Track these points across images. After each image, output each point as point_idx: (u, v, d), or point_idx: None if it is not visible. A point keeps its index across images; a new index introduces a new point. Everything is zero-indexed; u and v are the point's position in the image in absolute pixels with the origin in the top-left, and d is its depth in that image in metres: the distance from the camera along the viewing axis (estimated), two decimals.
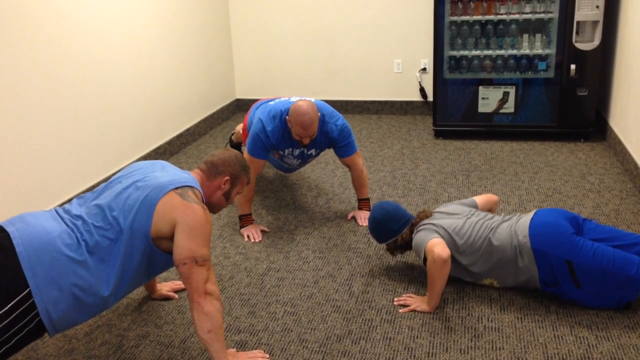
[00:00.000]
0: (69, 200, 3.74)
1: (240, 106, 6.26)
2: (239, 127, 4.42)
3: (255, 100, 6.14)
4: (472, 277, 2.79)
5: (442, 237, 2.70)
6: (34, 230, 2.09)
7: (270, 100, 3.64)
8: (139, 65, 4.49)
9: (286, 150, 3.50)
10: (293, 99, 3.46)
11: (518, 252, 2.62)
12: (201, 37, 5.44)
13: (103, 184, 2.35)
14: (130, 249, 2.17)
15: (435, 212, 2.91)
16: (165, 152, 4.86)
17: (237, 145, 4.68)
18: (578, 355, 2.36)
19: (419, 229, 2.80)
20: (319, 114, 3.31)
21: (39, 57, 3.47)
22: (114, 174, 4.16)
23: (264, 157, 3.43)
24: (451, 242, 2.70)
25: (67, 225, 2.15)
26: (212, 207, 2.45)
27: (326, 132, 3.42)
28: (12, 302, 1.98)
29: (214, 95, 5.77)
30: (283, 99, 3.57)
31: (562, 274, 2.55)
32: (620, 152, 4.33)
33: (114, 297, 2.19)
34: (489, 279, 2.75)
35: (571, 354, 2.37)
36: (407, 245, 2.90)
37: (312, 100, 3.43)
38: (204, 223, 2.19)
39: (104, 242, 2.14)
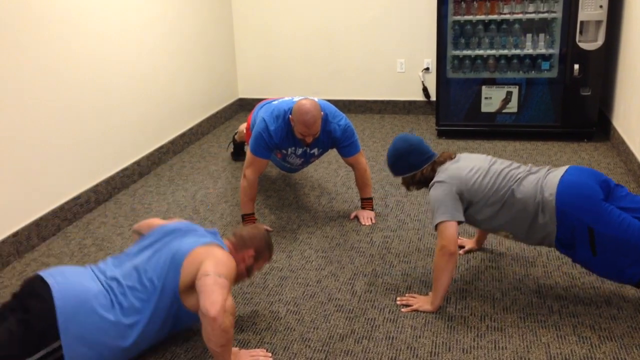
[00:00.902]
0: (73, 199, 3.75)
1: (243, 105, 6.26)
2: (242, 127, 4.42)
3: (257, 100, 6.15)
4: (489, 230, 2.71)
5: (461, 192, 2.57)
6: (73, 287, 2.20)
7: (274, 100, 3.64)
8: (142, 65, 4.50)
9: (289, 150, 3.51)
10: (296, 99, 3.46)
11: (540, 208, 2.50)
12: (204, 37, 5.44)
13: (135, 246, 2.46)
14: (159, 307, 2.27)
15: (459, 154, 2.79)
16: (169, 151, 4.87)
17: (240, 145, 4.69)
18: (581, 355, 2.35)
19: (440, 177, 2.65)
20: (322, 112, 3.32)
21: (42, 58, 3.48)
22: (117, 174, 4.18)
23: (267, 156, 3.43)
24: (470, 196, 2.59)
25: (103, 286, 2.27)
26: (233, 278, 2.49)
27: (329, 132, 3.43)
28: (42, 352, 2.10)
29: (217, 95, 5.78)
30: (286, 98, 3.57)
31: (581, 239, 2.44)
32: (623, 152, 4.33)
33: (135, 351, 2.31)
34: (505, 231, 2.65)
35: (574, 354, 2.36)
36: (425, 182, 2.77)
37: (316, 99, 3.44)
38: (230, 260, 2.31)
39: (137, 304, 2.26)
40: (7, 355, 2.07)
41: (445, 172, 2.64)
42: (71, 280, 2.24)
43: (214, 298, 2.11)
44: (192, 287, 2.26)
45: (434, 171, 2.73)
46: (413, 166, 2.76)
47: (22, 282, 2.28)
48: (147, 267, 2.33)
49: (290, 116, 3.32)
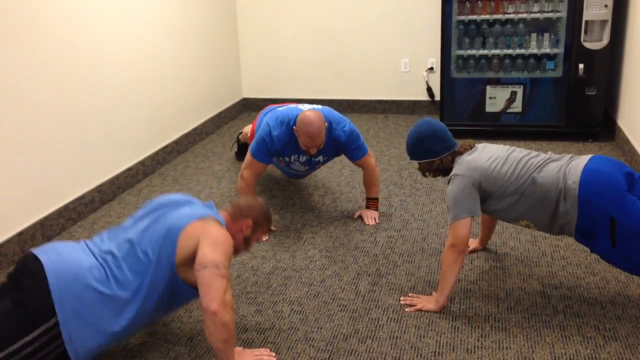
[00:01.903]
0: (77, 199, 3.76)
1: (247, 105, 6.27)
2: (247, 129, 4.43)
3: (261, 100, 6.17)
4: (509, 220, 2.65)
5: (479, 183, 2.54)
6: (65, 262, 2.16)
7: (280, 106, 3.66)
8: (146, 65, 4.51)
9: (292, 157, 3.51)
10: (302, 107, 3.47)
11: (562, 195, 2.44)
12: (208, 37, 5.45)
13: (130, 219, 2.42)
14: (156, 281, 2.23)
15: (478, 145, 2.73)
16: (173, 151, 4.88)
17: (244, 146, 4.69)
18: (585, 356, 2.35)
19: (458, 170, 2.60)
20: (326, 123, 3.32)
21: (46, 57, 3.49)
22: (121, 173, 4.19)
23: (266, 161, 3.43)
24: (488, 186, 2.55)
25: (97, 260, 2.23)
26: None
27: (334, 139, 3.43)
28: (39, 330, 2.06)
29: (221, 95, 5.78)
30: (292, 105, 3.58)
31: (602, 228, 2.40)
32: (628, 151, 4.31)
33: (135, 328, 2.26)
34: (526, 220, 2.59)
35: (578, 354, 2.36)
36: (443, 171, 2.71)
37: (320, 108, 3.45)
38: (226, 239, 2.25)
39: (132, 276, 2.22)
40: (3, 336, 2.04)
41: (463, 164, 2.60)
42: (64, 256, 2.18)
43: (213, 293, 2.11)
44: (189, 262, 2.22)
45: (453, 162, 2.68)
46: (432, 152, 2.69)
47: (16, 262, 2.23)
48: (141, 239, 2.27)
49: (294, 127, 3.32)
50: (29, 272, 2.13)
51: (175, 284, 2.27)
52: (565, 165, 2.51)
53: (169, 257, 2.22)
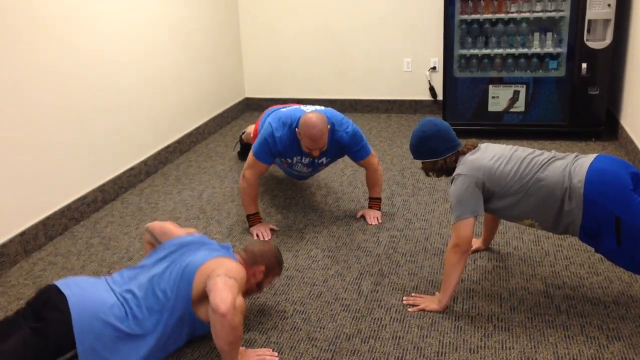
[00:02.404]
0: (80, 199, 3.76)
1: (250, 105, 6.27)
2: (250, 128, 4.43)
3: (264, 99, 6.16)
4: (512, 218, 2.63)
5: (483, 183, 2.52)
6: (88, 299, 2.24)
7: (283, 107, 3.65)
8: (148, 64, 4.51)
9: (294, 159, 3.51)
10: (305, 108, 3.46)
11: (567, 194, 2.42)
12: (210, 36, 5.45)
13: (150, 258, 2.50)
14: (173, 318, 2.31)
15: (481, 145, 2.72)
16: (175, 150, 4.87)
17: (246, 145, 4.68)
18: (588, 355, 2.34)
19: (461, 169, 2.59)
20: (328, 126, 3.31)
21: (46, 57, 3.49)
22: (123, 173, 4.19)
23: (268, 161, 3.42)
24: (492, 185, 2.53)
25: (118, 298, 2.30)
26: (243, 292, 2.51)
27: (337, 140, 3.43)
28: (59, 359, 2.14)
29: (223, 94, 5.78)
30: (295, 107, 3.57)
31: (607, 228, 2.39)
32: (631, 151, 4.30)
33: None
34: (530, 219, 2.57)
35: (582, 354, 2.35)
36: (447, 171, 2.70)
37: (322, 109, 3.45)
38: (240, 270, 2.34)
39: (150, 315, 2.30)
40: None
41: (466, 164, 2.59)
42: (87, 292, 2.27)
43: (224, 295, 2.13)
44: (204, 298, 2.28)
45: (456, 161, 2.67)
46: (436, 152, 2.67)
47: (37, 291, 2.31)
48: (160, 279, 2.36)
49: (297, 129, 3.32)
50: (52, 304, 2.19)
51: (192, 321, 2.36)
52: (571, 164, 2.49)
53: (186, 295, 2.31)
